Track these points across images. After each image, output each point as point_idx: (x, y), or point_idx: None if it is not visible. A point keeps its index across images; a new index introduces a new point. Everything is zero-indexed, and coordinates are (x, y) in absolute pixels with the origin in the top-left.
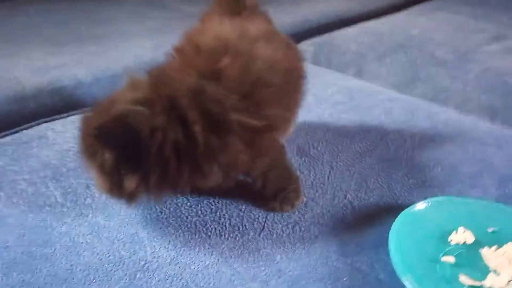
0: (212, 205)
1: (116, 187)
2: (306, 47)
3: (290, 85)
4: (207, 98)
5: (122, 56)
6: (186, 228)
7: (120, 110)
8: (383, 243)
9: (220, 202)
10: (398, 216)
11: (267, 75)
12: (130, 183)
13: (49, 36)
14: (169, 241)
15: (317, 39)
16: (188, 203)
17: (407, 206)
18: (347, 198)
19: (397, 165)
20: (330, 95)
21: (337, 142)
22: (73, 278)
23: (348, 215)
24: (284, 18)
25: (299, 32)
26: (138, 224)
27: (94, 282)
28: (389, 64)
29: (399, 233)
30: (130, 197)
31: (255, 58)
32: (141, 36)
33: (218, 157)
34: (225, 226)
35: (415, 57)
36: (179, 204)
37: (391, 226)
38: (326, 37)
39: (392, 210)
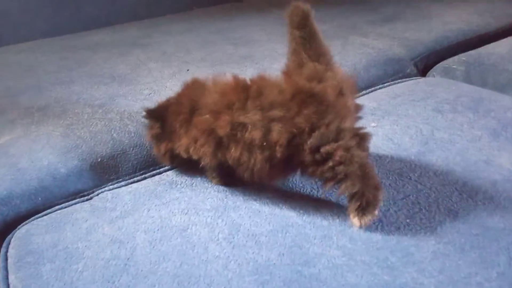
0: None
1: (156, 151)
2: (454, 65)
3: None
4: None
5: None
6: (430, 255)
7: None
8: None
9: (449, 230)
10: None
11: None
12: (159, 148)
13: (201, 55)
14: (424, 269)
15: (464, 57)
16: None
17: None
18: None
19: None
20: None
21: None
22: None
23: None
24: (423, 35)
25: (439, 49)
26: (384, 248)
27: None
28: None
29: None
30: (164, 160)
31: None
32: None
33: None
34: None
35: None
36: (417, 231)
37: None
38: (473, 55)
39: None
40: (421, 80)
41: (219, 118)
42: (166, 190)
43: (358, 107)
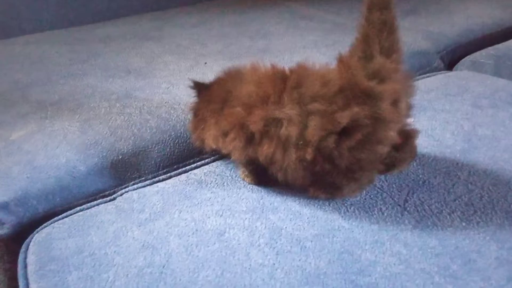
0: None
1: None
2: (482, 59)
3: None
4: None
5: None
6: (494, 261)
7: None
8: None
9: (510, 234)
10: None
11: None
12: (191, 125)
13: (217, 48)
14: (489, 277)
15: (492, 51)
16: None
17: None
18: None
19: None
20: None
21: None
22: None
23: None
24: (447, 28)
25: (464, 42)
26: (443, 255)
27: None
28: None
29: None
30: (193, 139)
31: None
32: (308, 48)
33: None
34: None
35: None
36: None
37: None
38: (502, 48)
39: None
40: (451, 74)
41: (252, 112)
42: (196, 190)
43: (409, 107)
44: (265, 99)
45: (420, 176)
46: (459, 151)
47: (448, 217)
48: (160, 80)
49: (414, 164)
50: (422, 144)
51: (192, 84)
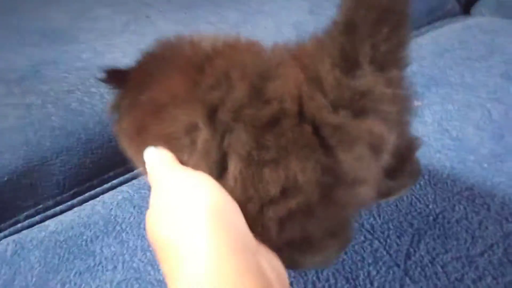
0: None
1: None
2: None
3: None
4: None
5: (280, 26)
6: None
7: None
8: None
9: None
10: None
11: None
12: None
13: (183, 2)
14: None
15: None
16: None
17: None
18: None
19: None
20: None
21: None
22: None
23: None
24: None
25: None
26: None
27: None
28: None
29: None
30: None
31: None
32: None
33: None
34: None
35: None
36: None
37: None
38: None
39: None
40: (471, 22)
41: (149, 125)
42: (98, 236)
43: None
44: (163, 105)
45: (431, 206)
46: (487, 157)
47: (472, 286)
48: (82, 47)
49: (421, 182)
50: (434, 146)
51: (104, 75)
